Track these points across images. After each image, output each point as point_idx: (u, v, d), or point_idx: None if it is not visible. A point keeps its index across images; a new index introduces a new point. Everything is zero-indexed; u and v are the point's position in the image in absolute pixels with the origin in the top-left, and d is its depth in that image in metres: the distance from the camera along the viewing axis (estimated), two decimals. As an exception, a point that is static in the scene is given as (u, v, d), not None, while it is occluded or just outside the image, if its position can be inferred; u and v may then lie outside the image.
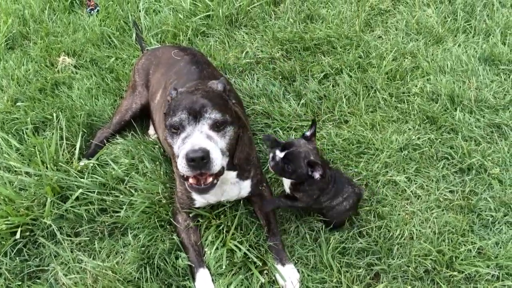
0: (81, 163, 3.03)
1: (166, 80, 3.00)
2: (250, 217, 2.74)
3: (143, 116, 3.28)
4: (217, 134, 2.10)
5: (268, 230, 2.62)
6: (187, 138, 2.06)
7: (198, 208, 2.67)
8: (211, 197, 2.58)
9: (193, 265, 2.50)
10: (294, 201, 2.57)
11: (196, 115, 2.08)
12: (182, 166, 2.00)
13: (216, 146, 2.06)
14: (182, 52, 3.16)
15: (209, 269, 2.51)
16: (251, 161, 2.57)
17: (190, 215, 2.66)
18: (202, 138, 2.03)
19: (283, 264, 2.47)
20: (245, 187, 2.62)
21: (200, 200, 2.60)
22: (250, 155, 2.55)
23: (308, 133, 2.52)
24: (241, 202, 2.75)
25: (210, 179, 2.11)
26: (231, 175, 2.46)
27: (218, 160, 2.03)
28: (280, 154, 2.42)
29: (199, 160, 1.95)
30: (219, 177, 2.18)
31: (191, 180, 2.12)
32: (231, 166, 2.36)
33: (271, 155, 2.47)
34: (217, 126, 2.10)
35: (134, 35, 4.10)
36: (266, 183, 2.76)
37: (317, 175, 2.35)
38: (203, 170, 2.01)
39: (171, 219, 2.69)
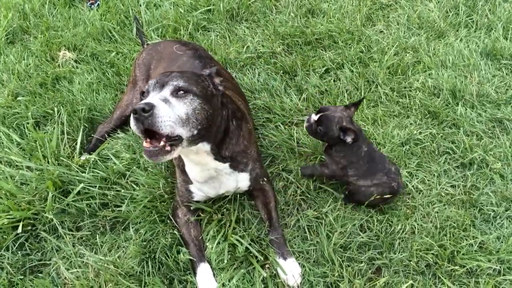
0: (82, 158, 3.03)
1: None
2: (252, 211, 2.74)
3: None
4: (177, 100, 2.02)
5: (270, 224, 2.62)
6: (144, 99, 2.02)
7: (197, 201, 2.66)
8: (208, 190, 2.58)
9: (194, 260, 2.50)
10: (324, 168, 2.70)
11: (163, 84, 2.06)
12: (131, 124, 1.91)
13: (168, 108, 1.94)
14: (184, 47, 3.15)
15: (210, 264, 2.51)
16: (248, 154, 2.56)
17: (191, 208, 2.66)
18: (155, 98, 1.97)
19: (284, 258, 2.47)
20: (242, 180, 2.60)
21: (198, 193, 2.60)
22: (248, 148, 2.54)
23: (350, 104, 2.65)
24: (244, 196, 2.75)
25: (162, 143, 1.96)
26: (223, 166, 2.43)
27: (165, 118, 1.89)
28: (314, 117, 2.58)
29: (140, 112, 1.84)
30: (176, 147, 2.02)
31: (144, 143, 1.99)
32: (219, 158, 2.35)
33: (307, 117, 2.62)
34: (177, 92, 2.03)
35: (134, 29, 4.08)
36: (267, 177, 2.75)
37: (349, 139, 2.49)
38: (146, 125, 1.87)
39: (170, 215, 2.69)
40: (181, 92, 2.03)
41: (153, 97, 1.98)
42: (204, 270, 2.47)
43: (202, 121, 2.08)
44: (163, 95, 2.00)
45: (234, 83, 3.21)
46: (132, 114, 1.88)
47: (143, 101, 1.91)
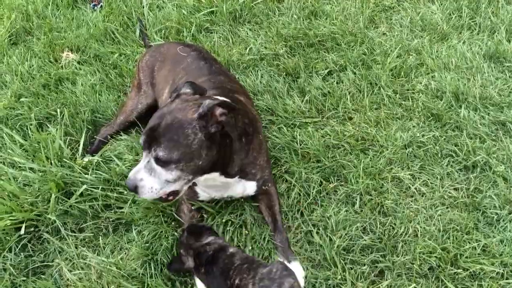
0: (85, 159, 3.03)
1: (174, 76, 3.00)
2: (253, 214, 2.74)
3: (148, 115, 3.26)
4: (161, 168, 2.13)
5: (274, 227, 2.61)
6: (141, 159, 2.20)
7: (202, 201, 2.66)
8: (214, 192, 2.59)
9: None
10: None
11: (149, 144, 2.13)
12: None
13: (154, 179, 2.15)
14: (188, 48, 3.15)
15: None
16: (257, 165, 2.57)
17: (193, 207, 2.66)
18: (143, 170, 2.16)
19: (288, 261, 2.47)
20: (250, 187, 2.62)
21: (203, 194, 2.60)
22: (257, 159, 2.55)
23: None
24: (246, 199, 2.75)
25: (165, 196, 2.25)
26: (232, 180, 2.47)
27: (147, 191, 2.16)
28: None
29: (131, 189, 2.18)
30: (176, 195, 2.29)
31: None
32: (228, 175, 2.40)
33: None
34: (160, 162, 2.12)
35: (137, 31, 4.09)
36: (272, 181, 2.75)
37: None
38: (136, 195, 2.24)
39: (175, 212, 2.68)
40: (162, 162, 2.12)
41: (138, 168, 2.18)
42: None
43: (196, 171, 2.20)
44: (150, 164, 2.16)
45: (241, 85, 3.20)
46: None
47: (132, 172, 2.19)
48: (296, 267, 2.44)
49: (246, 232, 2.63)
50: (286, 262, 2.45)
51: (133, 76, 3.41)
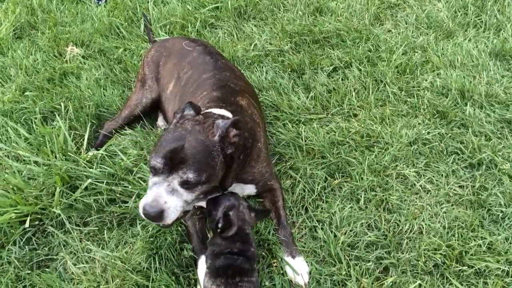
0: (90, 154, 3.03)
1: (179, 70, 3.00)
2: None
3: (153, 110, 3.27)
4: (185, 190, 2.10)
5: (278, 222, 2.61)
6: (154, 185, 2.09)
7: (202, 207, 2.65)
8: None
9: (196, 252, 2.49)
10: None
11: (172, 167, 2.06)
12: (140, 211, 2.11)
13: (177, 199, 2.10)
14: (194, 43, 3.15)
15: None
16: (255, 172, 2.57)
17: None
18: (164, 193, 2.07)
19: (293, 257, 2.46)
20: (248, 188, 2.63)
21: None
22: (254, 168, 2.55)
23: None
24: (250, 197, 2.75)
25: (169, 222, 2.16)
26: (229, 188, 2.45)
27: (173, 215, 2.11)
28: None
29: (151, 219, 2.09)
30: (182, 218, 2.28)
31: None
32: (223, 189, 2.37)
33: None
34: (187, 185, 2.09)
35: (142, 26, 4.08)
36: (275, 177, 2.75)
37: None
38: (156, 222, 2.14)
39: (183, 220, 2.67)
40: (190, 184, 2.09)
41: (161, 191, 2.07)
42: (204, 262, 2.44)
43: (208, 192, 2.24)
44: (172, 186, 2.08)
45: (246, 81, 3.19)
46: (142, 211, 2.07)
47: (152, 196, 2.07)
48: (300, 262, 2.44)
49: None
50: (290, 258, 2.45)
51: (138, 71, 3.41)
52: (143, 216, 2.09)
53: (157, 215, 2.05)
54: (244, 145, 2.38)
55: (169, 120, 3.05)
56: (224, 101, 2.54)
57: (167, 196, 2.07)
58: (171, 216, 2.09)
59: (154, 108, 3.26)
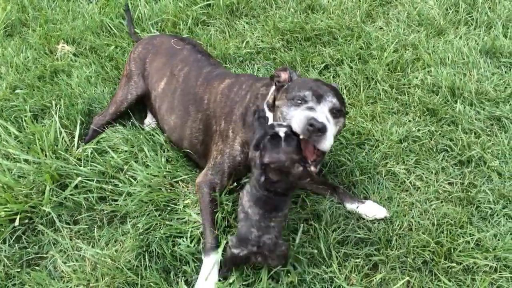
0: (80, 150, 3.02)
1: (171, 68, 3.02)
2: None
3: (139, 106, 3.27)
4: (333, 120, 2.26)
5: (333, 188, 2.76)
6: (311, 109, 2.21)
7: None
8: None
9: (205, 245, 2.46)
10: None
11: (319, 97, 2.27)
12: (298, 124, 2.11)
13: (332, 126, 2.23)
14: (182, 42, 3.15)
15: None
16: None
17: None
18: (324, 116, 2.20)
19: (362, 202, 2.68)
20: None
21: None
22: None
23: None
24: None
25: (314, 156, 2.18)
26: None
27: (331, 140, 2.16)
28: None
29: (317, 131, 2.07)
30: (320, 159, 2.23)
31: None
32: None
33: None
34: (334, 112, 2.26)
35: (126, 21, 4.03)
36: None
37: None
38: (314, 141, 2.11)
39: (197, 186, 2.65)
40: (336, 112, 2.25)
41: (322, 114, 2.21)
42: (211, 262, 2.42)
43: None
44: (325, 112, 2.23)
45: None
46: (307, 122, 2.09)
47: (317, 115, 2.15)
48: (371, 204, 2.68)
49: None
50: (360, 203, 2.67)
51: (124, 68, 3.39)
52: (301, 128, 2.09)
53: (323, 128, 2.08)
54: None
55: (159, 117, 3.06)
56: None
57: (327, 123, 2.16)
58: (330, 139, 2.14)
59: (141, 105, 3.26)
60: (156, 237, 2.54)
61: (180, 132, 2.92)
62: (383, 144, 3.00)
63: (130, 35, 3.88)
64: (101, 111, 3.28)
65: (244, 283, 2.35)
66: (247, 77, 2.83)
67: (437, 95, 3.32)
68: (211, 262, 2.39)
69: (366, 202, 2.68)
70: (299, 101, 2.27)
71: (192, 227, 2.60)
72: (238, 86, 2.74)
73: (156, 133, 3.09)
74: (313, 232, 2.57)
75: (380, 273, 2.42)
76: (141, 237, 2.57)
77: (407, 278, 2.39)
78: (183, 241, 2.52)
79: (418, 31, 3.89)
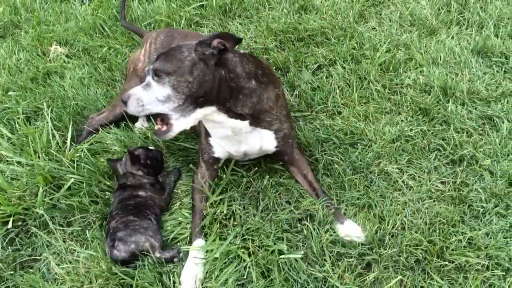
0: (72, 150, 3.02)
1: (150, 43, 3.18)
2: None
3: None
4: (157, 83, 2.23)
5: (317, 195, 2.71)
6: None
7: (219, 160, 2.72)
8: (229, 146, 2.62)
9: (191, 234, 2.57)
10: None
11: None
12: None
13: (147, 93, 2.25)
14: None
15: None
16: (273, 115, 2.58)
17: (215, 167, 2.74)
18: (139, 88, 2.30)
19: (342, 222, 2.58)
20: (266, 137, 2.62)
21: (218, 148, 2.64)
22: (273, 109, 2.57)
23: None
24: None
25: (157, 126, 2.33)
26: (243, 124, 2.48)
27: (132, 100, 2.26)
28: None
29: (123, 104, 2.32)
30: (169, 122, 2.28)
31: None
32: (234, 115, 2.40)
33: None
34: (156, 75, 2.23)
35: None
36: (299, 148, 2.85)
37: None
38: (124, 109, 2.39)
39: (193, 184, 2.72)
40: (158, 74, 2.22)
41: (138, 87, 2.32)
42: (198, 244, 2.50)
43: (188, 93, 2.21)
44: (148, 80, 2.28)
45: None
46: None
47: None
48: (350, 225, 2.59)
49: (235, 223, 2.62)
50: (339, 224, 2.58)
51: (128, 65, 3.35)
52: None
53: (124, 102, 2.28)
54: (255, 74, 2.44)
55: None
56: None
57: (139, 90, 2.28)
58: (132, 105, 2.26)
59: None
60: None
61: None
62: (376, 143, 3.01)
63: (120, 19, 3.91)
64: (102, 110, 3.26)
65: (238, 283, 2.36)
66: None
67: (429, 94, 3.34)
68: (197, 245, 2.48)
69: (345, 223, 2.59)
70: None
71: (185, 228, 2.60)
72: None
73: (150, 134, 3.09)
74: (306, 232, 2.57)
75: (373, 272, 2.43)
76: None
77: (400, 277, 2.40)
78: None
79: (411, 31, 3.91)
